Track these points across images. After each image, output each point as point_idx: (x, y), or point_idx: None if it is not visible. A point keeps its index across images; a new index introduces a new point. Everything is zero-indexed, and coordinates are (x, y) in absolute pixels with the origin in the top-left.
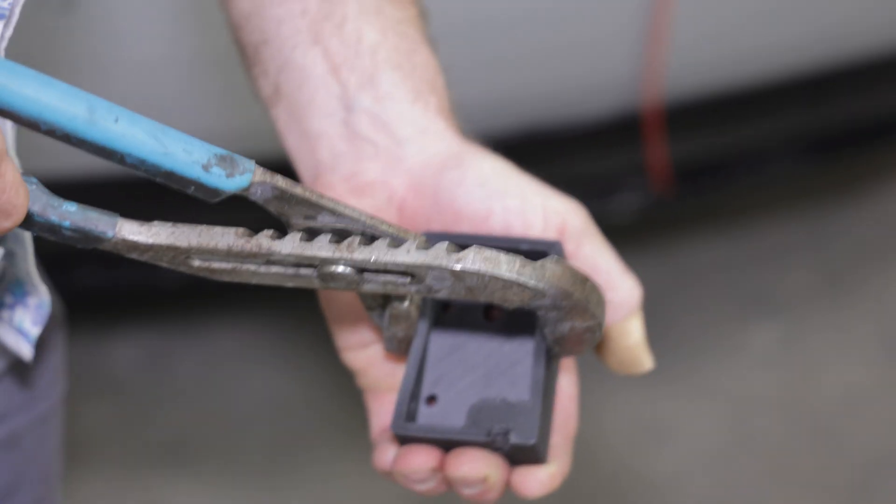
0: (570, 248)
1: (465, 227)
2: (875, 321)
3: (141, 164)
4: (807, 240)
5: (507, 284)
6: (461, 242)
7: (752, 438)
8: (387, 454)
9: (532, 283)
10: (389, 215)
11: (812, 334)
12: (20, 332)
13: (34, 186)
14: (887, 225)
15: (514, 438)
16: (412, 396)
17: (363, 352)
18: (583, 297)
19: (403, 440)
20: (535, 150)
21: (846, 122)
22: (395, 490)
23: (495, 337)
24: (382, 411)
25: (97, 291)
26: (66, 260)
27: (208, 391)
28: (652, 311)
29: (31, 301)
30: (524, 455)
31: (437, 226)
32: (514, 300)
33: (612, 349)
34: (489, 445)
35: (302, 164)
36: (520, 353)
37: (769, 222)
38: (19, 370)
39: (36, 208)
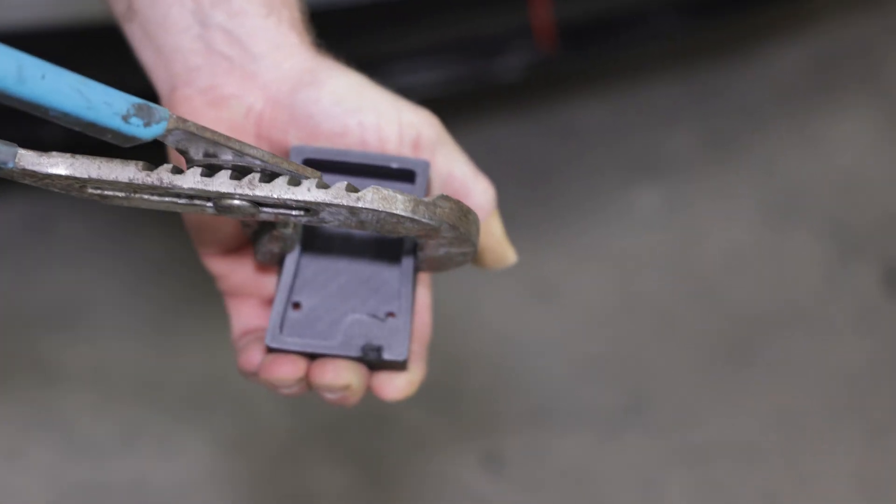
0: (425, 157)
1: (322, 143)
2: (756, 183)
3: (64, 116)
4: (690, 102)
5: (402, 220)
6: (333, 159)
7: (637, 299)
8: (252, 357)
9: (426, 220)
10: (247, 128)
11: (695, 196)
12: None
13: None
14: (769, 87)
15: (386, 355)
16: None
17: (224, 258)
18: (466, 230)
19: (275, 351)
20: (420, 10)
21: None
22: None
23: (359, 250)
24: (243, 315)
25: None
26: None
27: (91, 252)
28: (537, 172)
29: None
30: (388, 365)
31: (295, 140)
32: (402, 232)
33: (478, 249)
34: (361, 360)
35: (158, 79)
36: (386, 268)
37: (653, 84)
38: None
39: None
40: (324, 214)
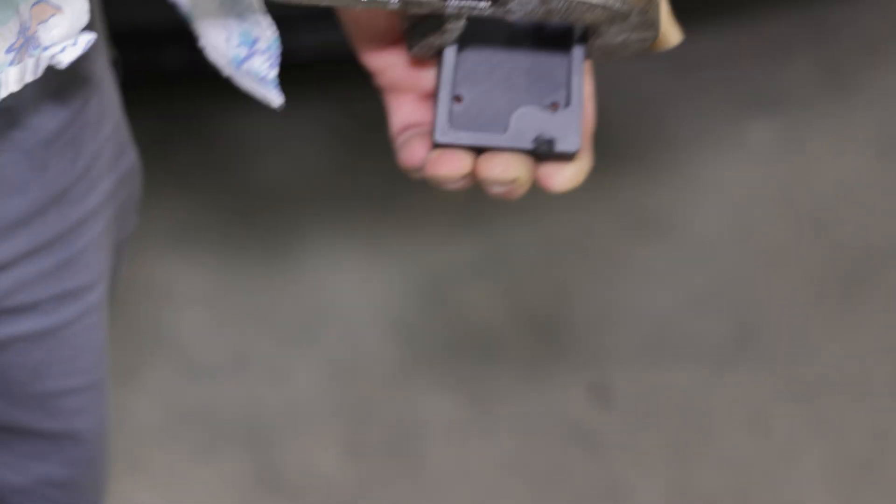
0: None
1: None
2: (873, 117)
3: None
4: (808, 33)
5: (592, 7)
6: None
7: (748, 232)
8: (415, 152)
9: (618, 6)
10: None
11: (810, 129)
12: (262, 80)
13: None
14: (889, 21)
15: (559, 147)
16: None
17: (381, 53)
18: (655, 14)
19: (442, 146)
20: None
21: None
22: (395, 269)
23: (520, 39)
24: (402, 109)
25: None
26: None
27: (206, 179)
28: (648, 103)
29: (261, 45)
30: (558, 157)
31: None
32: (588, 20)
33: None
34: (532, 153)
35: None
36: (549, 57)
37: (771, 14)
38: None
39: None
40: (511, 4)
